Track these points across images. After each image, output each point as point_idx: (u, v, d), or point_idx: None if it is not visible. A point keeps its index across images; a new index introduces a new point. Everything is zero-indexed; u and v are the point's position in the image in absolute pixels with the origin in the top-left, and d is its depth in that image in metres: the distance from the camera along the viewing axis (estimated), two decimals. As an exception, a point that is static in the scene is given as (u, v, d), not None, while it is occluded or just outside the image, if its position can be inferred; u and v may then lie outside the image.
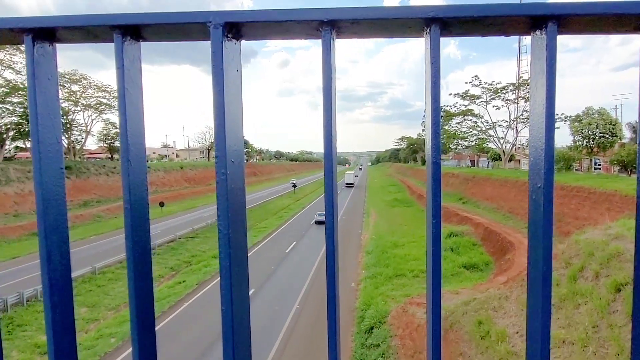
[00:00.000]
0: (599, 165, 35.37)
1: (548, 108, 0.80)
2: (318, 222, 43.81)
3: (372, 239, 31.21)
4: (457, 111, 61.26)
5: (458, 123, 63.76)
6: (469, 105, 58.40)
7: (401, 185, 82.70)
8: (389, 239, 30.67)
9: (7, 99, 31.35)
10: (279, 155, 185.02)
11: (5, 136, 34.16)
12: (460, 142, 67.81)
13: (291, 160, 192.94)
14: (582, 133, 38.53)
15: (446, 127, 70.96)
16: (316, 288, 19.17)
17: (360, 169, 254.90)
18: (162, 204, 46.43)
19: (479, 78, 56.42)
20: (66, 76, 44.77)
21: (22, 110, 32.21)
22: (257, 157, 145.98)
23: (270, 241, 33.40)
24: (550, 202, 0.79)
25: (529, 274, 0.85)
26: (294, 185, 72.63)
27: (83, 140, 51.04)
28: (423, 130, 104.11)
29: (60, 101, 0.89)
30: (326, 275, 0.91)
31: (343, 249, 29.79)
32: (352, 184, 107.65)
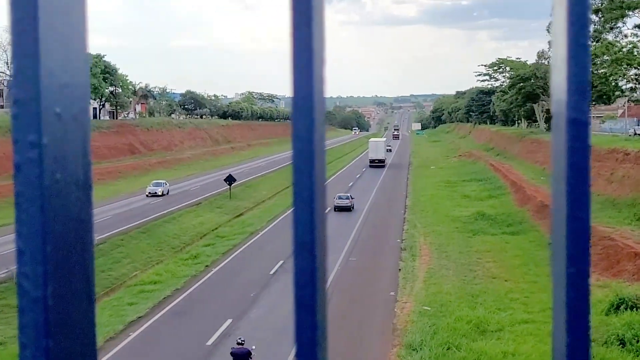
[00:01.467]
0: None
1: None
2: (338, 209, 68.76)
3: (423, 314, 31.23)
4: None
5: (639, 28, 64.19)
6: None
7: (496, 180, 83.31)
8: (464, 313, 30.77)
9: None
10: (192, 105, 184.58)
11: None
12: (643, 75, 68.34)
13: (224, 115, 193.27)
14: None
15: (609, 38, 71.50)
16: None
17: (397, 136, 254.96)
18: None
19: None
20: None
21: None
22: (139, 107, 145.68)
23: (158, 327, 33.21)
24: None
25: None
26: (229, 182, 72.39)
27: None
28: (551, 47, 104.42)
29: None
30: None
31: (348, 339, 29.72)
32: (383, 161, 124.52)
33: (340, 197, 71.27)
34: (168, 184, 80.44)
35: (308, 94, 1.08)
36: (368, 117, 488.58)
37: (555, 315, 1.13)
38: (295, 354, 1.10)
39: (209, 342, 29.43)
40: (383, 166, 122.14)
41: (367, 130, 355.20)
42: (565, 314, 1.10)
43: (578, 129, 1.08)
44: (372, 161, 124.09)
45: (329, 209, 57.95)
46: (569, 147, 1.08)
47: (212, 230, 58.53)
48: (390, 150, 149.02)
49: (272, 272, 42.06)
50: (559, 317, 1.12)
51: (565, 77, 1.08)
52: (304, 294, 1.11)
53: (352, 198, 72.04)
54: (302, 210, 1.11)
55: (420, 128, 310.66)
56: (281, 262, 44.73)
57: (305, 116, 1.09)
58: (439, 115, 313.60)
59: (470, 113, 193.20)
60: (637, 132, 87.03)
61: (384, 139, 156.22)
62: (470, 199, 73.12)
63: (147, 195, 76.26)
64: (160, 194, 77.07)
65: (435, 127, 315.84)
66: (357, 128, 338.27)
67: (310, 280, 1.11)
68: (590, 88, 1.00)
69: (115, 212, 60.81)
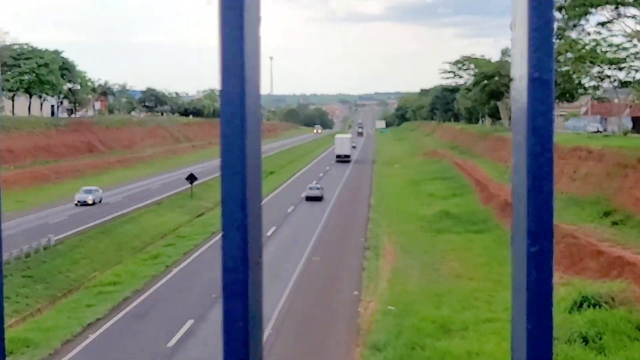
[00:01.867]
0: None
1: None
2: (309, 198, 75.97)
3: (387, 314, 31.23)
4: (599, -3, 62.23)
5: (602, 25, 64.77)
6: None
7: (461, 179, 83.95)
8: (429, 312, 30.81)
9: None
10: (153, 102, 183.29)
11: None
12: (606, 74, 69.03)
13: (185, 113, 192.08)
14: None
15: (572, 35, 72.12)
16: None
17: (361, 134, 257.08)
18: None
19: None
20: None
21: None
22: (98, 105, 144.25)
23: (118, 329, 33.05)
24: None
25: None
26: (191, 180, 71.75)
27: None
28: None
29: None
30: None
31: (310, 339, 29.73)
32: (349, 156, 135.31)
33: (311, 188, 79.65)
34: (101, 191, 72.93)
35: (238, 53, 0.95)
36: (332, 115, 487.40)
37: (515, 297, 1.08)
38: (223, 346, 1.00)
39: (170, 344, 29.08)
40: (349, 161, 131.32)
41: (331, 129, 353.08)
42: (526, 295, 1.05)
43: (541, 90, 1.01)
44: (338, 156, 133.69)
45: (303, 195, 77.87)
46: (531, 110, 1.00)
47: (173, 230, 58.23)
48: (354, 147, 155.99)
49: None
50: (519, 300, 1.06)
51: (527, 32, 1.00)
52: (233, 279, 0.98)
53: (322, 188, 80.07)
54: (231, 182, 0.96)
55: (384, 126, 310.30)
56: (243, 262, 44.46)
57: (236, 74, 0.96)
58: (403, 113, 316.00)
59: (435, 111, 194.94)
60: (600, 129, 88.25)
61: (349, 135, 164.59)
62: (434, 197, 73.45)
63: (75, 204, 68.00)
64: (90, 202, 68.54)
65: (399, 125, 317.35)
66: (319, 126, 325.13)
67: (241, 263, 0.97)
68: (554, 55, 0.93)
69: (71, 212, 60.04)
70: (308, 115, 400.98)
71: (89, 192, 70.56)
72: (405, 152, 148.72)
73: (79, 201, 68.08)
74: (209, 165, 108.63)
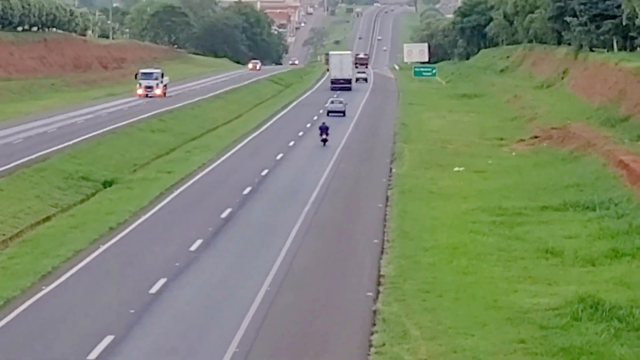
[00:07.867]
0: None
1: None
2: (331, 112, 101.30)
3: None
4: None
5: None
6: None
7: (634, 206, 45.88)
8: None
9: None
10: None
11: None
12: None
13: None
14: None
15: None
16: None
17: (364, 79, 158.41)
18: None
19: None
20: None
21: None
22: None
23: None
24: None
25: None
26: None
27: None
28: None
29: None
30: None
31: None
32: (349, 82, 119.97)
33: (334, 101, 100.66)
34: None
35: None
36: (282, 25, 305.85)
37: None
38: None
39: None
40: (349, 89, 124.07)
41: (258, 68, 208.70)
42: None
43: None
44: (334, 82, 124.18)
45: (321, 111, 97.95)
46: None
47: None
48: (365, 77, 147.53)
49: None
50: None
51: None
52: None
53: (345, 103, 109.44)
54: None
55: (424, 60, 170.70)
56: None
57: None
58: (476, 25, 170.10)
59: (566, 19, 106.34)
60: None
61: (349, 52, 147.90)
62: (561, 259, 37.60)
63: None
64: None
65: (467, 56, 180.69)
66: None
67: None
68: None
69: None
70: (212, 25, 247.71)
71: None
72: (481, 130, 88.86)
73: None
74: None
